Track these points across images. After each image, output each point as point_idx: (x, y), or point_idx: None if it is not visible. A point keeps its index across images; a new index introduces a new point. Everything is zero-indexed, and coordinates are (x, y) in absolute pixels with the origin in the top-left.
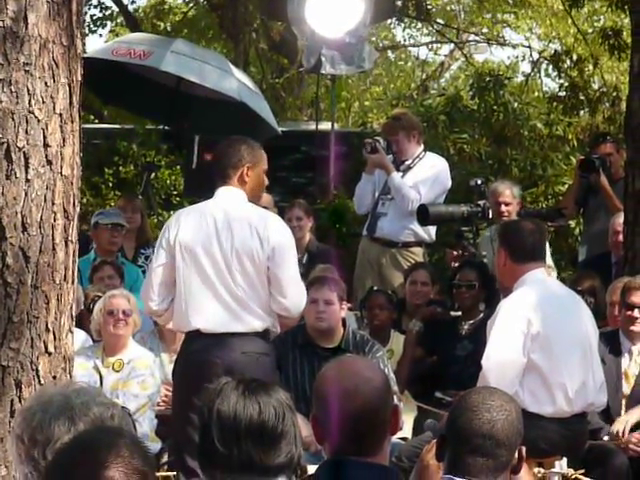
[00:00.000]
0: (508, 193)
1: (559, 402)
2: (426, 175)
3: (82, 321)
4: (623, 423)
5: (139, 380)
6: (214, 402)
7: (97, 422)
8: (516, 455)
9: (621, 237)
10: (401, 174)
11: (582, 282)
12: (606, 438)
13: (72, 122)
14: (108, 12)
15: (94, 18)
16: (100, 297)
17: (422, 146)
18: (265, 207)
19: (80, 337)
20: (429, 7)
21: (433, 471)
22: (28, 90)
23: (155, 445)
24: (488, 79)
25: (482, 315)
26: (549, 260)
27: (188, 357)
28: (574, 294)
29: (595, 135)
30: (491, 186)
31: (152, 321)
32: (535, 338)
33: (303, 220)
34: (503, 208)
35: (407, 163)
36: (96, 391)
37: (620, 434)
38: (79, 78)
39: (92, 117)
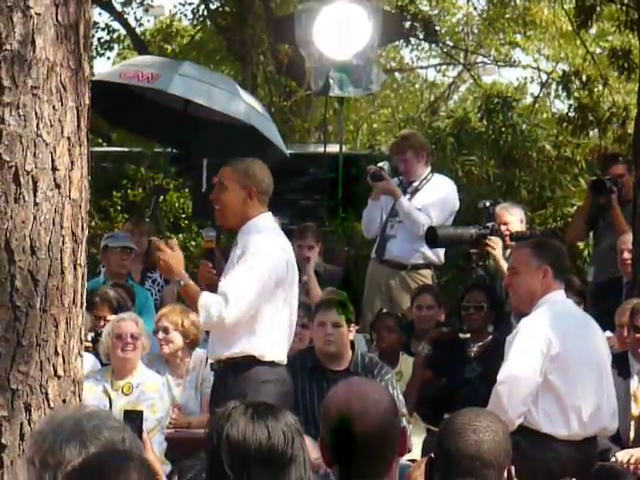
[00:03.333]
0: (503, 213)
1: (573, 425)
2: (435, 198)
3: None
4: (628, 455)
5: (148, 403)
6: (223, 427)
7: (108, 445)
8: (505, 475)
9: (626, 254)
10: (408, 196)
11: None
12: (613, 459)
13: (80, 145)
14: (115, 35)
15: (102, 41)
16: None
17: (429, 168)
18: None
19: (89, 360)
20: (437, 29)
21: None
22: (36, 113)
23: (165, 468)
24: (496, 101)
25: (491, 337)
26: None
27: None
28: (589, 317)
29: (607, 156)
30: None
31: (158, 345)
32: (554, 359)
33: (314, 248)
34: (502, 228)
35: (414, 185)
36: (107, 415)
37: (624, 464)
38: (87, 101)
39: (100, 140)
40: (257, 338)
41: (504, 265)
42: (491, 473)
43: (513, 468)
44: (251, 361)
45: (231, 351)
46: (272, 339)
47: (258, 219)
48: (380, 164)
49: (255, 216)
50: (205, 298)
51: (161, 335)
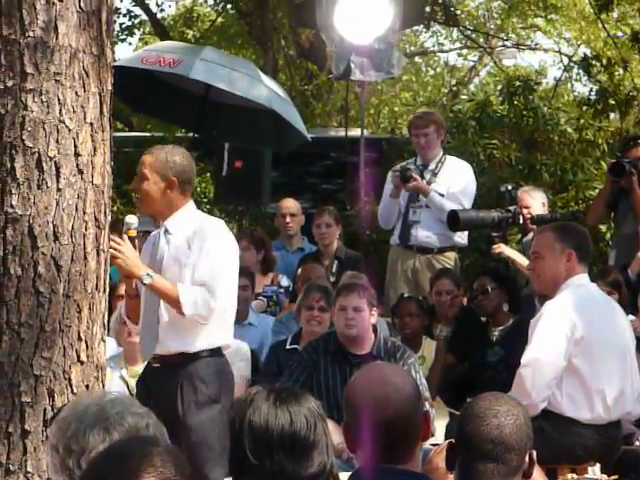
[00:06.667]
0: (525, 197)
1: (597, 409)
2: (462, 185)
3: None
4: None
5: None
6: (245, 413)
7: (132, 432)
8: (527, 459)
9: None
10: (427, 178)
11: (607, 275)
12: (638, 443)
13: (103, 131)
14: (137, 20)
15: (123, 27)
16: None
17: (442, 149)
18: (293, 214)
19: (112, 346)
20: (457, 13)
21: (442, 474)
22: (59, 100)
23: None
24: (517, 84)
25: (512, 320)
26: None
27: (229, 371)
28: (612, 300)
29: (626, 139)
30: None
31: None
32: (578, 342)
33: (332, 227)
34: (524, 211)
35: (430, 168)
36: (130, 401)
37: None
38: (109, 87)
39: (121, 126)
40: (226, 329)
41: (518, 258)
42: (512, 457)
43: (535, 452)
44: (211, 352)
45: (199, 343)
46: (231, 328)
47: (184, 210)
48: (404, 164)
49: (180, 207)
50: (186, 290)
51: None
